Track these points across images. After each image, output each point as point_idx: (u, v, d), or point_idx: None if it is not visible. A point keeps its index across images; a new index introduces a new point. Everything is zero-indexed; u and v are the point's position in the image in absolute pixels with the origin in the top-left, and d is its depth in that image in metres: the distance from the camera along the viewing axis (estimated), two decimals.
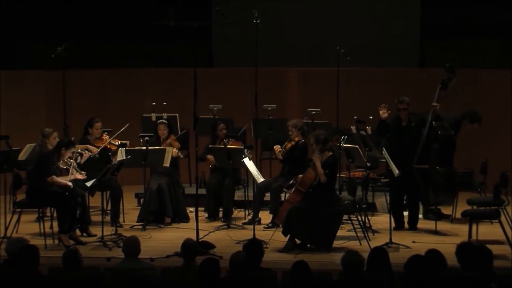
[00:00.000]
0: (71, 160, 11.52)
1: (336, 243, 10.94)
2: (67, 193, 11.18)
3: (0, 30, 15.38)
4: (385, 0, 15.58)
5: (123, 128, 12.59)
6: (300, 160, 12.00)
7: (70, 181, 11.37)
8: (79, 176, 11.54)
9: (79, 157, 11.92)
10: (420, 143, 11.90)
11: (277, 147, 12.34)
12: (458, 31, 15.30)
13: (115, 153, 12.45)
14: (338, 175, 11.56)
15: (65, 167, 11.48)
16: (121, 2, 15.89)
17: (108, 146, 12.50)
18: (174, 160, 12.57)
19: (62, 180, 11.36)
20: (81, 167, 11.96)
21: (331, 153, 11.13)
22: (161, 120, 12.96)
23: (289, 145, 12.21)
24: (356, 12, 15.66)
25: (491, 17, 15.08)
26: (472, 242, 7.60)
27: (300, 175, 11.12)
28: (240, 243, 10.54)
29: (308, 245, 10.93)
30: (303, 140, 12.20)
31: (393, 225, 11.36)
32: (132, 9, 15.86)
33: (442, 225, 12.24)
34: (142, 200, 12.90)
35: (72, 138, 12.23)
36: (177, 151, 12.57)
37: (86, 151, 12.00)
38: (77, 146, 12.19)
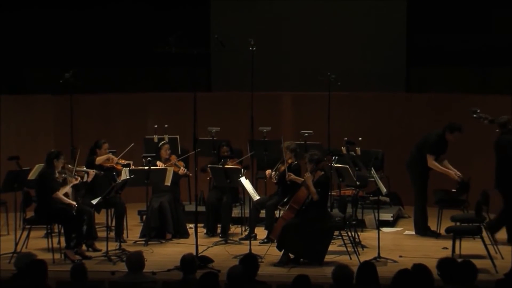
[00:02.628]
0: (70, 166, 11.53)
1: (328, 258, 10.93)
2: (74, 213, 11.19)
3: (11, 57, 15.41)
4: (373, 29, 15.63)
5: (128, 148, 12.60)
6: (293, 180, 12.00)
7: (76, 201, 11.44)
8: (75, 181, 11.55)
9: (85, 175, 11.90)
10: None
11: (268, 172, 12.36)
12: (442, 58, 15.35)
13: (119, 172, 12.45)
14: (329, 193, 11.57)
15: (62, 177, 11.45)
16: (125, 31, 15.92)
17: (116, 166, 12.50)
18: (175, 179, 12.57)
19: (66, 199, 11.36)
20: (88, 185, 11.96)
21: (322, 172, 11.15)
22: (164, 141, 12.98)
23: (283, 168, 12.19)
24: (346, 40, 15.70)
25: (473, 45, 15.14)
26: (453, 258, 7.58)
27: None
28: (237, 257, 10.53)
29: (301, 259, 10.91)
30: (295, 162, 12.20)
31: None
32: (136, 37, 15.90)
33: (427, 241, 12.26)
34: (144, 217, 12.88)
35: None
36: (184, 169, 12.60)
37: (92, 170, 11.98)
38: (98, 159, 12.18)
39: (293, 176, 11.70)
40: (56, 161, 11.31)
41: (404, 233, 12.89)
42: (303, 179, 11.27)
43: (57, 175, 11.36)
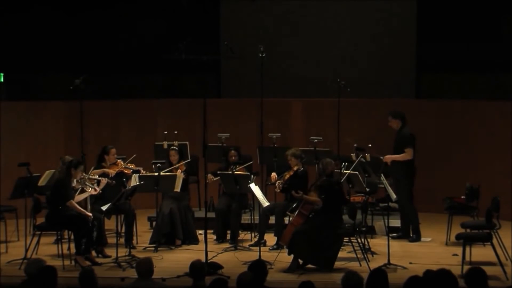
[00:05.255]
0: (84, 174, 11.51)
1: (337, 264, 10.89)
2: (90, 224, 11.17)
3: (22, 64, 15.44)
4: (383, 36, 15.62)
5: (131, 158, 12.58)
6: (301, 187, 11.95)
7: (87, 207, 11.45)
8: (93, 192, 11.54)
9: (96, 183, 11.86)
10: None
11: (273, 175, 12.32)
12: (452, 64, 15.33)
13: (129, 178, 12.43)
14: (338, 197, 11.43)
15: (79, 186, 11.47)
16: (135, 38, 15.95)
17: (125, 171, 12.50)
18: (185, 185, 12.55)
19: (82, 210, 11.33)
20: (99, 194, 11.91)
21: (324, 177, 11.13)
22: (172, 147, 12.96)
23: (288, 176, 12.15)
24: (356, 47, 15.69)
25: (481, 53, 15.13)
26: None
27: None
28: (247, 264, 10.48)
29: (308, 265, 10.86)
30: (302, 168, 12.16)
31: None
32: (146, 44, 15.92)
33: (437, 247, 12.21)
34: (154, 223, 12.87)
35: (92, 168, 12.29)
36: (181, 171, 12.55)
37: (104, 178, 11.93)
38: (93, 171, 12.20)
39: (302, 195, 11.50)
40: (74, 170, 11.30)
41: None
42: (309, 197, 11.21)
43: (74, 183, 11.35)
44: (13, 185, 11.93)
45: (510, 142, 13.91)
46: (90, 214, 11.35)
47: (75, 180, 11.35)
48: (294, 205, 11.36)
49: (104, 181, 11.85)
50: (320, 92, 15.02)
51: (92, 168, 12.30)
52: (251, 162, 12.99)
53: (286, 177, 12.15)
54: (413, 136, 12.59)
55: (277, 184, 12.19)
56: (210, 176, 12.44)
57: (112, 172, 12.33)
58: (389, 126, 12.72)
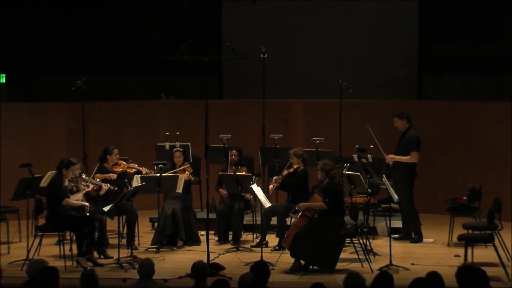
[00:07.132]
0: (77, 176, 11.49)
1: (339, 265, 10.88)
2: (87, 214, 11.16)
3: (24, 65, 15.44)
4: (385, 37, 15.62)
5: (129, 162, 12.59)
6: (300, 186, 11.95)
7: (89, 202, 11.42)
8: (88, 189, 11.52)
9: (98, 188, 11.83)
10: None
11: (270, 187, 12.29)
12: (454, 65, 15.33)
13: (131, 178, 12.43)
14: (342, 199, 11.44)
15: (72, 185, 11.43)
16: (137, 39, 15.95)
17: (128, 170, 12.50)
18: (187, 186, 12.55)
19: (78, 202, 11.32)
20: (101, 197, 11.88)
21: (327, 180, 11.10)
22: (176, 148, 12.96)
23: (286, 172, 12.15)
24: (358, 48, 15.69)
25: (482, 53, 15.13)
26: (471, 265, 7.45)
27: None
28: (249, 264, 10.48)
29: (311, 267, 10.86)
30: (302, 168, 12.15)
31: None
32: (148, 45, 15.91)
33: (439, 248, 12.20)
34: (156, 224, 12.86)
35: (94, 171, 12.28)
36: (188, 174, 12.55)
37: (105, 185, 11.89)
38: (97, 176, 12.18)
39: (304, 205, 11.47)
40: (65, 170, 11.28)
41: None
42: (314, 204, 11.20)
43: (67, 183, 11.33)
44: (14, 186, 11.93)
45: (511, 143, 13.89)
46: (87, 204, 11.33)
47: (67, 180, 11.33)
48: (297, 206, 11.35)
49: (105, 187, 11.79)
50: (321, 93, 15.01)
51: (94, 171, 12.29)
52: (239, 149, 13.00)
53: (284, 174, 12.15)
54: (420, 140, 12.55)
55: (274, 179, 12.16)
56: (222, 191, 12.50)
57: (113, 176, 12.32)
58: (395, 127, 12.70)
